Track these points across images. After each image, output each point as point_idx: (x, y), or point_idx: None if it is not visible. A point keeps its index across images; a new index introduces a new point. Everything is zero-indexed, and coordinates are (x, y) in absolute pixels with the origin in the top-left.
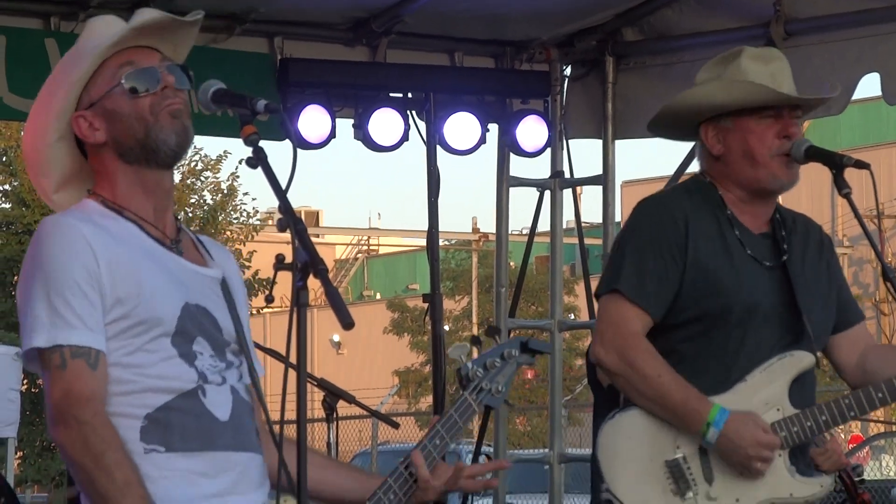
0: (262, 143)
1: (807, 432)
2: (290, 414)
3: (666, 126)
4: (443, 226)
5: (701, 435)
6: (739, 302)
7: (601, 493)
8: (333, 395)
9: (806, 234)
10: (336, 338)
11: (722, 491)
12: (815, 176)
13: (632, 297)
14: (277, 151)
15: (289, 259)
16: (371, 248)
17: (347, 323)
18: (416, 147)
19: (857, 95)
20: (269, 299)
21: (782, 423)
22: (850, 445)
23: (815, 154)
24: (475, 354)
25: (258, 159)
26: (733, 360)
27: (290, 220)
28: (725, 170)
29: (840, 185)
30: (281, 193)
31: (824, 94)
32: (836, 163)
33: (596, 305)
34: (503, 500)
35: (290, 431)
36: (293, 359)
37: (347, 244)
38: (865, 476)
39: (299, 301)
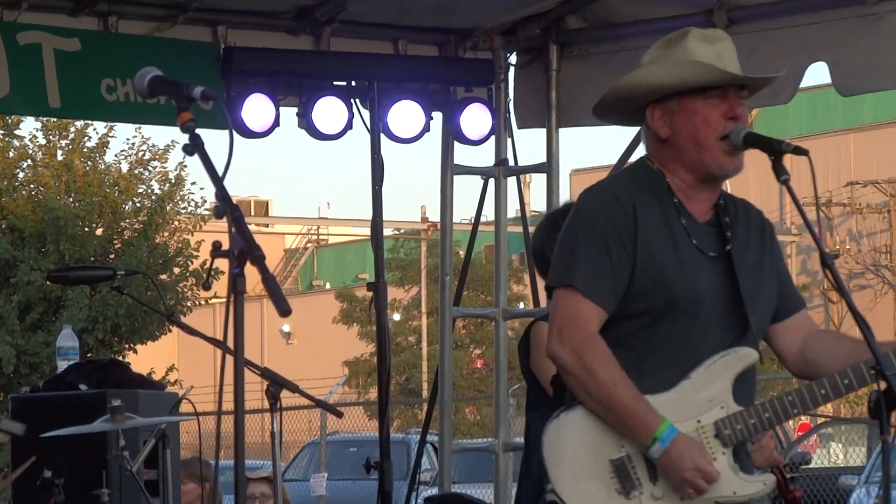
0: (205, 131)
1: (750, 430)
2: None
3: (612, 110)
4: (392, 215)
5: (646, 447)
6: (684, 295)
7: (546, 494)
8: (277, 384)
9: (748, 220)
10: (286, 328)
11: (666, 490)
12: (764, 163)
13: (587, 293)
14: (224, 140)
15: (226, 246)
16: (321, 237)
17: (284, 310)
18: (363, 136)
19: (804, 84)
20: (207, 286)
21: (726, 421)
22: (799, 433)
23: (754, 140)
24: None
25: (194, 146)
26: (679, 353)
27: (227, 207)
28: (672, 153)
29: (779, 172)
30: (217, 181)
31: (770, 73)
32: (775, 149)
33: (542, 294)
34: (449, 490)
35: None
36: (232, 348)
37: (297, 234)
38: (814, 464)
39: (236, 288)
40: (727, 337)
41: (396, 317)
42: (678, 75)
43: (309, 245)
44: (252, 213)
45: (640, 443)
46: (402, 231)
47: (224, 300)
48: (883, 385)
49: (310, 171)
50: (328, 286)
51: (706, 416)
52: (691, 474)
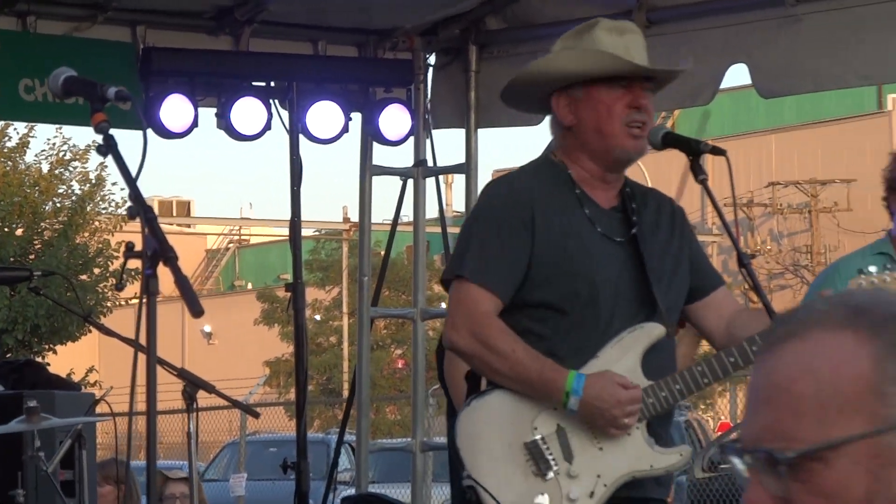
0: (123, 132)
1: (662, 403)
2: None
3: (519, 95)
4: (314, 215)
5: (563, 405)
6: (591, 280)
7: (463, 480)
8: (193, 385)
9: (657, 206)
10: (207, 328)
11: (582, 468)
12: (686, 163)
13: (477, 281)
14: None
15: (139, 247)
16: (242, 238)
17: (197, 311)
18: (283, 136)
19: (726, 85)
20: (120, 287)
21: None
22: (719, 432)
23: (673, 140)
24: None
25: (108, 147)
26: (588, 337)
27: (141, 208)
28: (575, 141)
29: (696, 172)
30: (131, 181)
31: (679, 66)
32: (693, 149)
33: None
34: (366, 490)
35: None
36: (150, 351)
37: (219, 234)
38: None
39: (149, 289)
40: (636, 318)
41: (318, 317)
42: (582, 64)
43: (231, 245)
44: (174, 214)
45: (554, 401)
46: (324, 232)
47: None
48: None
49: (232, 171)
50: (250, 286)
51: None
52: (619, 409)
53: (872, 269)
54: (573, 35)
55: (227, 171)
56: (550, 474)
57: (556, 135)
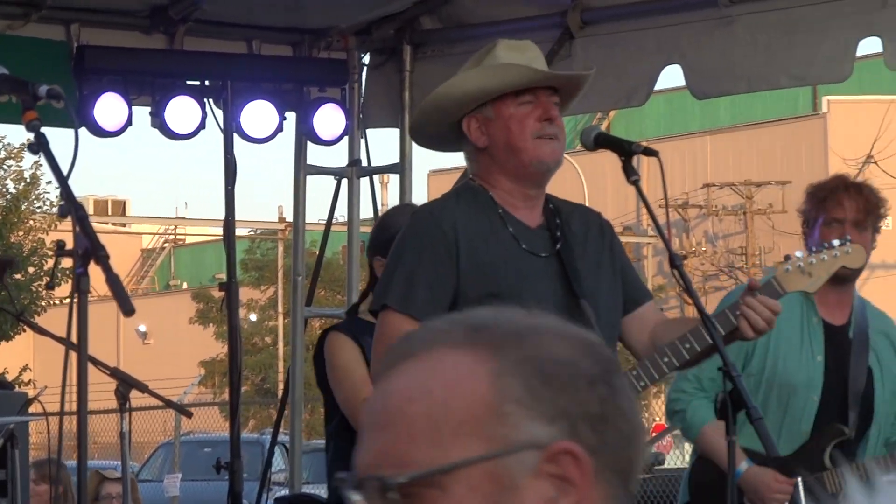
0: (56, 130)
1: None
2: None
3: (429, 130)
4: (250, 215)
5: None
6: (518, 298)
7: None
8: (126, 384)
9: (585, 221)
10: (142, 328)
11: None
12: (620, 166)
13: (401, 309)
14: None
15: (71, 246)
16: (178, 237)
17: (128, 310)
18: (217, 136)
19: (662, 86)
20: (51, 286)
21: None
22: (653, 434)
23: (605, 141)
24: None
25: (39, 145)
26: None
27: (72, 206)
28: (492, 162)
29: (629, 173)
30: (62, 180)
31: (581, 71)
32: (626, 150)
33: None
34: (300, 491)
35: None
36: (81, 349)
37: (154, 234)
38: (668, 464)
39: (80, 288)
40: None
41: (253, 317)
42: (487, 79)
43: (166, 245)
44: (109, 213)
45: None
46: (259, 231)
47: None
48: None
49: (168, 171)
50: (185, 286)
51: None
52: None
53: (799, 253)
54: (475, 58)
55: (162, 171)
56: None
57: (471, 160)
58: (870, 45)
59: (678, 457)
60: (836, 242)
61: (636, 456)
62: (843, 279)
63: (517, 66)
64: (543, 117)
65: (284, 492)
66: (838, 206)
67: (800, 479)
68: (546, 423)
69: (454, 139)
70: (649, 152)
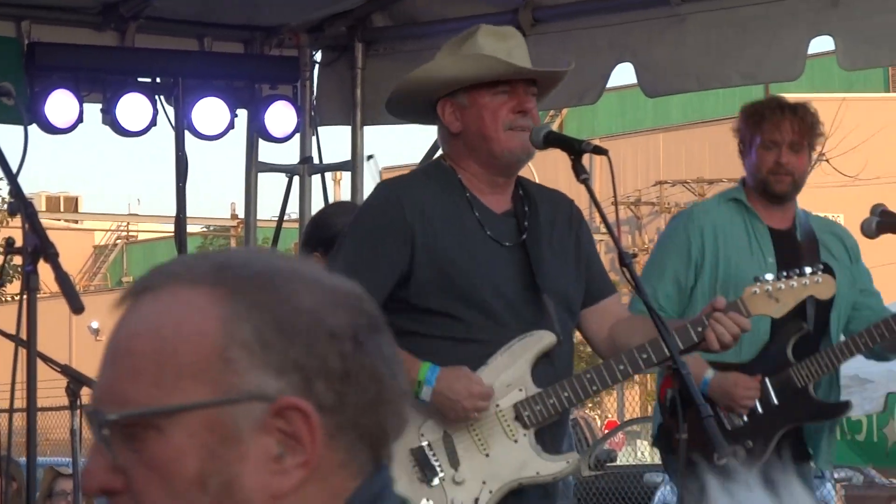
0: (7, 127)
1: (550, 409)
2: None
3: (404, 105)
4: (203, 212)
5: (415, 395)
6: (479, 285)
7: None
8: (77, 381)
9: (554, 210)
10: (95, 324)
11: (468, 474)
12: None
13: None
14: (32, 135)
15: (20, 243)
16: (130, 234)
17: (76, 308)
18: (169, 133)
19: (614, 83)
20: (0, 283)
21: (525, 403)
22: (605, 430)
23: (555, 140)
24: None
25: None
26: (477, 343)
27: (21, 203)
28: (463, 147)
29: (578, 171)
30: (11, 177)
31: (560, 67)
32: (575, 149)
33: None
34: None
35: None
36: (31, 346)
37: (107, 230)
38: (620, 461)
39: (29, 285)
40: (527, 323)
41: None
42: (464, 69)
43: (118, 241)
44: (62, 210)
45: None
46: (212, 228)
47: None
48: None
49: (120, 167)
50: None
51: (505, 399)
52: (469, 402)
53: (769, 276)
54: (455, 42)
55: (115, 167)
56: (436, 481)
57: (443, 141)
58: (822, 44)
59: (630, 453)
60: (807, 270)
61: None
62: (782, 197)
63: (494, 58)
64: (517, 109)
65: None
66: (775, 128)
67: (767, 379)
68: (275, 375)
69: (429, 115)
70: (598, 151)
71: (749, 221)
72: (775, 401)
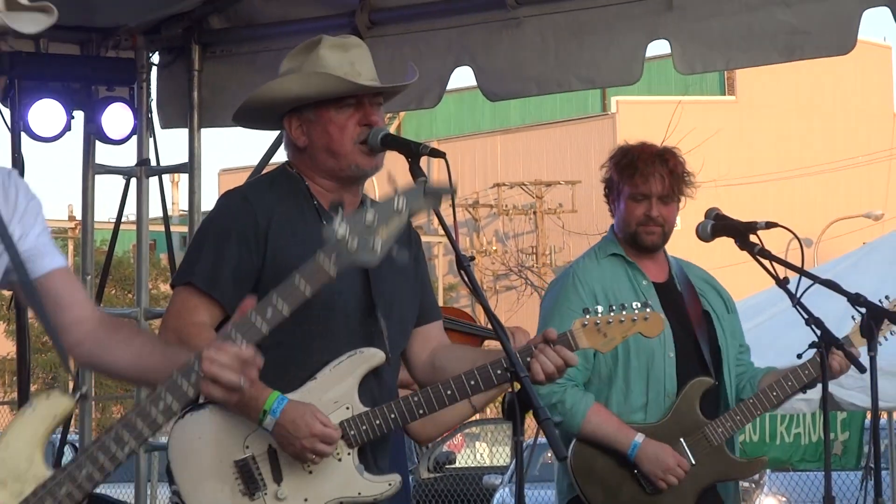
0: None
1: (377, 430)
2: None
3: (252, 118)
4: None
5: (259, 422)
6: (317, 296)
7: (171, 496)
8: None
9: None
10: None
11: (290, 491)
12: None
13: (204, 289)
14: None
15: None
16: None
17: None
18: (5, 134)
19: (453, 85)
20: None
21: (350, 422)
22: (444, 433)
23: (392, 142)
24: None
25: None
26: (312, 354)
27: None
28: (310, 161)
29: (415, 174)
30: None
31: (406, 80)
32: (413, 151)
33: None
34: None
35: None
36: None
37: None
38: (459, 463)
39: None
40: (360, 340)
41: None
42: (309, 88)
43: None
44: None
45: (252, 418)
46: (51, 230)
47: None
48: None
49: None
50: None
51: (331, 416)
52: (309, 441)
53: (599, 308)
54: (298, 54)
55: None
56: (258, 495)
57: (289, 153)
58: (659, 47)
59: (469, 456)
60: (636, 305)
61: None
62: (653, 248)
63: (340, 79)
64: (363, 122)
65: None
66: (644, 181)
67: (682, 439)
68: None
69: (276, 124)
70: (436, 153)
71: (633, 277)
72: (692, 461)
